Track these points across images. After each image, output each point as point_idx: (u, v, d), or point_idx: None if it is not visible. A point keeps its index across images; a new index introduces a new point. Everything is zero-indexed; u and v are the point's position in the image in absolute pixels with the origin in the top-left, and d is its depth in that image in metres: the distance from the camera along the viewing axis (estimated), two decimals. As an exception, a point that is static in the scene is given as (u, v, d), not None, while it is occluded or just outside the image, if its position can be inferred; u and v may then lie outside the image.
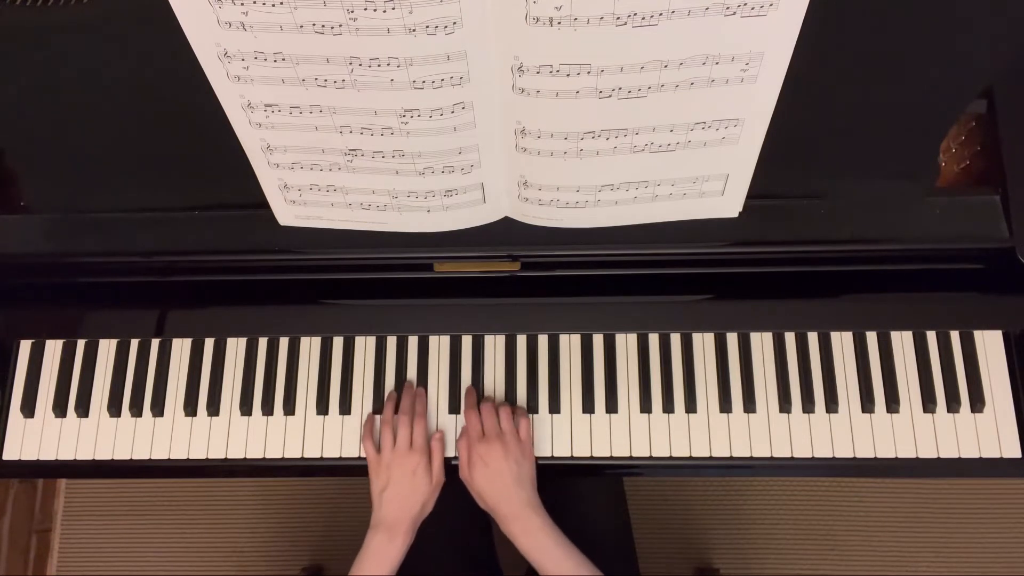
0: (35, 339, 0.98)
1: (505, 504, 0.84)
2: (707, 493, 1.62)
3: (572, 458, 0.93)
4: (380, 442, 0.89)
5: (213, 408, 0.95)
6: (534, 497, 0.86)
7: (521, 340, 0.96)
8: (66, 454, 0.95)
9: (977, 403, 0.90)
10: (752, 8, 0.58)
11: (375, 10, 0.58)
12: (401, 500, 0.86)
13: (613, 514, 1.08)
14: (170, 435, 0.95)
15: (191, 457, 0.94)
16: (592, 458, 0.93)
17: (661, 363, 0.94)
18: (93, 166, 0.81)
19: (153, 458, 0.94)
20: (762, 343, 0.94)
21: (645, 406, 0.93)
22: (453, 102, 0.66)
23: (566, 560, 0.82)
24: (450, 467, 0.92)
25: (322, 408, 0.95)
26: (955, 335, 0.93)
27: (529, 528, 0.83)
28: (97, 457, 0.95)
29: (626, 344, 0.95)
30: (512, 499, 0.84)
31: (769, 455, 0.91)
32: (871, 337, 0.94)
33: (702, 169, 0.75)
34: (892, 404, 0.91)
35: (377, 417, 0.93)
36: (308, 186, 0.78)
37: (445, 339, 0.97)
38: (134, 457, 0.94)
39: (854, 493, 1.61)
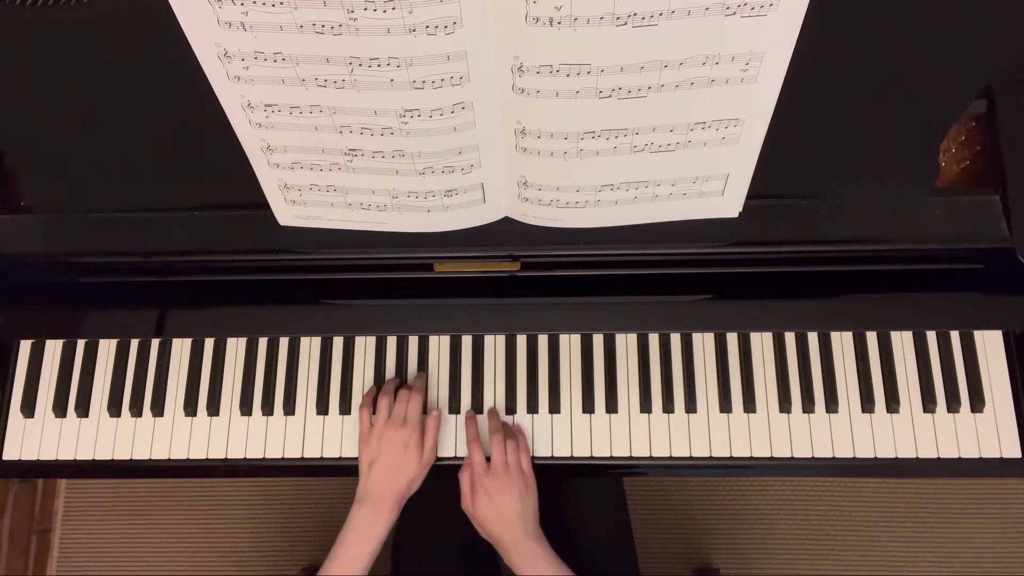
0: (35, 339, 0.98)
1: (508, 536, 0.84)
2: (707, 493, 1.62)
3: (572, 458, 0.93)
4: (376, 412, 0.88)
5: (213, 408, 0.95)
6: (536, 530, 0.86)
7: (521, 340, 0.96)
8: (66, 454, 0.95)
9: (977, 403, 0.90)
10: (752, 8, 0.58)
11: (375, 10, 0.58)
12: (389, 474, 0.85)
13: (613, 514, 1.08)
14: (170, 435, 0.95)
15: (191, 457, 0.94)
16: (592, 458, 0.93)
17: (661, 363, 0.94)
18: (93, 166, 0.81)
19: (153, 458, 0.94)
20: (762, 343, 0.94)
21: (645, 406, 0.93)
22: (453, 102, 0.66)
23: None
24: (448, 467, 0.92)
25: (322, 408, 0.95)
26: (955, 335, 0.93)
27: (531, 560, 0.83)
28: (97, 457, 0.95)
29: (626, 344, 0.95)
30: (516, 531, 0.84)
31: (769, 455, 0.91)
32: (871, 337, 0.94)
33: (702, 169, 0.75)
34: (892, 404, 0.91)
35: (377, 389, 0.93)
36: (308, 186, 0.78)
37: (445, 339, 0.97)
38: (134, 457, 0.95)
39: (854, 493, 1.61)
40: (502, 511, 0.85)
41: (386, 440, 0.86)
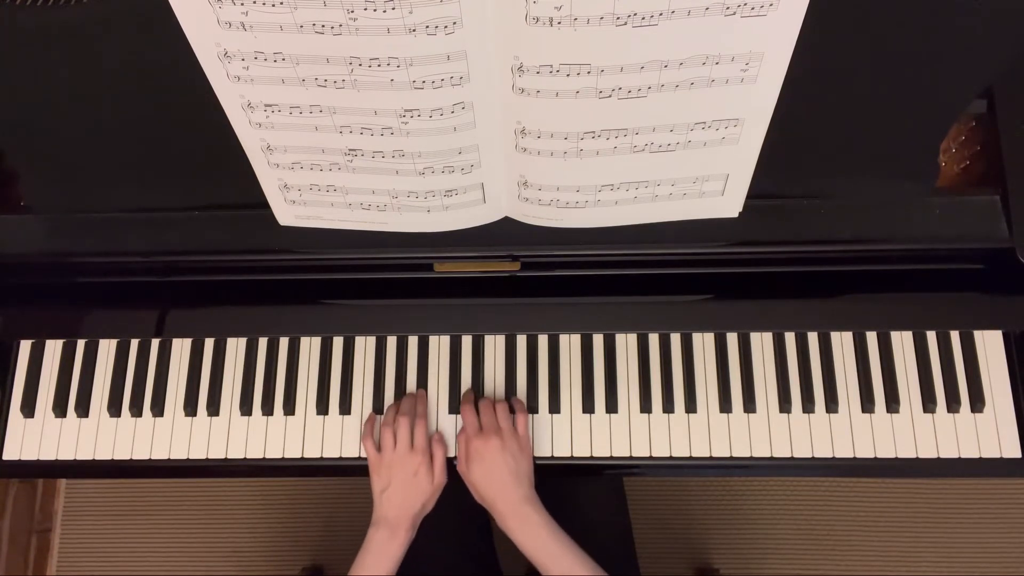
0: (35, 339, 0.98)
1: (502, 499, 0.84)
2: (707, 493, 1.62)
3: (572, 458, 0.93)
4: (381, 442, 0.89)
5: (213, 408, 0.95)
6: (531, 493, 0.86)
7: (521, 340, 0.96)
8: (66, 454, 0.95)
9: (977, 403, 0.90)
10: (752, 8, 0.58)
11: (375, 10, 0.58)
12: (402, 500, 0.86)
13: (613, 514, 1.08)
14: (170, 435, 0.95)
15: (191, 457, 0.94)
16: (592, 458, 0.93)
17: (661, 363, 0.94)
18: (93, 166, 0.81)
19: (153, 458, 0.95)
20: (762, 343, 0.94)
21: (645, 406, 0.93)
22: (453, 102, 0.66)
23: (564, 556, 0.82)
24: (451, 467, 0.92)
25: (322, 408, 0.95)
26: (955, 335, 0.93)
27: (527, 524, 0.83)
28: (97, 457, 0.95)
29: (626, 344, 0.95)
30: (509, 494, 0.84)
31: (769, 455, 0.91)
32: (871, 337, 0.94)
33: (702, 169, 0.75)
34: (892, 404, 0.91)
35: (378, 417, 0.94)
36: (308, 186, 0.78)
37: (445, 339, 0.97)
38: (134, 457, 0.95)
39: (854, 493, 1.62)
40: (494, 471, 0.85)
41: (396, 468, 0.87)
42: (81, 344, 0.98)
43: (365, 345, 0.97)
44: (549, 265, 0.88)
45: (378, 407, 0.95)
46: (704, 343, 0.95)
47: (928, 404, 0.91)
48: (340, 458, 0.94)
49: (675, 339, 0.95)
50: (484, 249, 0.84)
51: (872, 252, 0.85)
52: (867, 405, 0.92)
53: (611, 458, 0.92)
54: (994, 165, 0.83)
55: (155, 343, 0.98)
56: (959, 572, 1.58)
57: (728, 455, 0.91)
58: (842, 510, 1.61)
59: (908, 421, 0.91)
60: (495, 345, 0.97)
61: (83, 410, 0.96)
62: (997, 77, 0.83)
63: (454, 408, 0.95)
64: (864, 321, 0.93)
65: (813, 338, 0.94)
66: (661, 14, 0.58)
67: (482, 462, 0.86)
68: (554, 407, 0.94)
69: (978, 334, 0.93)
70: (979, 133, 0.87)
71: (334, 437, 0.94)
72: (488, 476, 0.85)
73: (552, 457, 0.93)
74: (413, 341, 0.97)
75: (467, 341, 0.97)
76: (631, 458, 0.92)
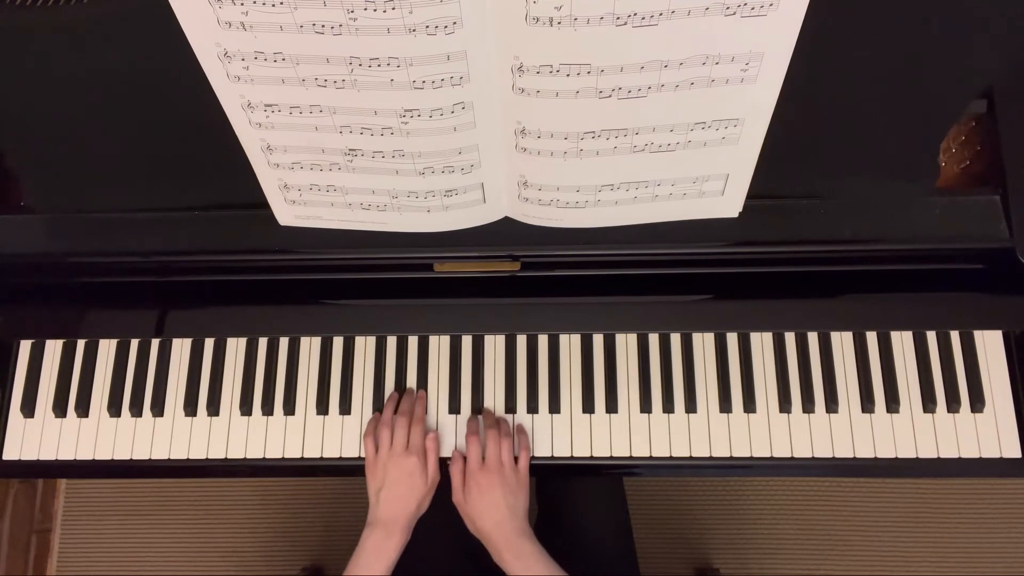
0: (35, 339, 0.98)
1: (498, 532, 0.85)
2: (707, 493, 1.62)
3: (572, 458, 0.93)
4: (377, 441, 0.89)
5: (213, 408, 0.95)
6: (526, 527, 0.87)
7: (521, 340, 0.96)
8: (66, 454, 0.95)
9: (977, 403, 0.90)
10: (752, 8, 0.58)
11: (375, 10, 0.58)
12: (397, 499, 0.86)
13: (613, 514, 1.08)
14: (170, 435, 0.95)
15: (191, 457, 0.94)
16: (592, 458, 0.93)
17: (661, 363, 0.94)
18: (93, 166, 0.81)
19: (153, 458, 0.94)
20: (762, 343, 0.94)
21: (645, 406, 0.93)
22: (453, 102, 0.66)
23: None
24: (445, 467, 0.92)
25: (322, 408, 0.95)
26: (955, 335, 0.93)
27: (521, 557, 0.84)
28: (97, 457, 0.95)
29: (626, 344, 0.95)
30: (505, 528, 0.85)
31: (769, 455, 0.91)
32: (871, 337, 0.94)
33: (702, 169, 0.75)
34: (892, 404, 0.91)
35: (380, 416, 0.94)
36: (308, 186, 0.78)
37: (445, 339, 0.97)
38: (134, 457, 0.95)
39: (854, 493, 1.62)
40: (491, 505, 0.86)
41: (391, 468, 0.87)
42: (81, 344, 0.98)
43: (365, 345, 0.97)
44: (549, 265, 0.88)
45: (378, 407, 0.95)
46: (704, 343, 0.95)
47: (928, 404, 0.91)
48: (340, 458, 0.94)
49: (675, 339, 0.95)
50: (484, 249, 0.84)
51: (872, 252, 0.85)
52: (867, 405, 0.92)
53: (611, 458, 0.92)
54: (994, 165, 0.83)
55: (155, 343, 0.98)
56: (959, 572, 1.58)
57: (728, 455, 0.91)
58: (842, 510, 1.61)
59: (908, 421, 0.91)
60: (495, 345, 0.97)
61: (83, 410, 0.96)
62: (997, 77, 0.83)
63: (454, 408, 0.95)
64: (864, 321, 0.93)
65: (813, 338, 0.94)
66: (661, 14, 0.58)
67: (481, 495, 0.86)
68: (554, 407, 0.94)
69: (978, 334, 0.93)
70: (979, 133, 0.87)
71: (334, 437, 0.94)
72: (486, 509, 0.86)
73: (552, 457, 0.93)
74: (413, 341, 0.97)
75: (467, 341, 0.97)
76: (631, 458, 0.92)
